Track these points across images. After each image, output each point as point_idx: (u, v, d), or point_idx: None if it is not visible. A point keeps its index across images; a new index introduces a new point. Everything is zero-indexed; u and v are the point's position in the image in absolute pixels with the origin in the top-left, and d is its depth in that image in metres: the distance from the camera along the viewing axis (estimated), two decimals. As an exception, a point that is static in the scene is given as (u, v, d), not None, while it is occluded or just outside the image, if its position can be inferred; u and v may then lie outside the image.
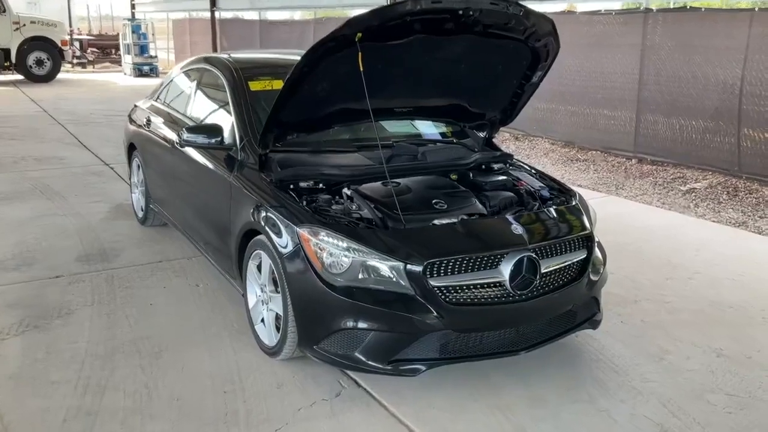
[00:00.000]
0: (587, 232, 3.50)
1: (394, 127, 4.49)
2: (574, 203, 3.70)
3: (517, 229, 3.25)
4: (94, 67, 23.90)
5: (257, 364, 3.50)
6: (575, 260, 3.42)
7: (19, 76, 18.45)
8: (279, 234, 3.31)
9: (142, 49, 21.14)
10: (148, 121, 5.31)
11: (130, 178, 6.02)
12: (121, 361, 3.51)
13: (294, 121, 3.68)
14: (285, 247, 3.25)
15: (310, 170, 3.63)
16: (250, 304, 3.69)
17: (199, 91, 4.78)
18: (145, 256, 5.02)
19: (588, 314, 3.55)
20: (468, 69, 3.86)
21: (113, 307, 4.16)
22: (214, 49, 17.88)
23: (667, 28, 8.32)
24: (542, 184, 3.92)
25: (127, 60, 21.23)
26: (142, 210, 5.64)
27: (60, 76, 19.39)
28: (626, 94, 8.81)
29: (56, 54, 18.81)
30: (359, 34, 3.20)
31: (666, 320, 4.16)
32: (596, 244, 3.64)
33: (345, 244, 3.09)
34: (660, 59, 8.39)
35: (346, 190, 3.51)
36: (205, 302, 4.25)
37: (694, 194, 7.39)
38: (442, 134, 4.54)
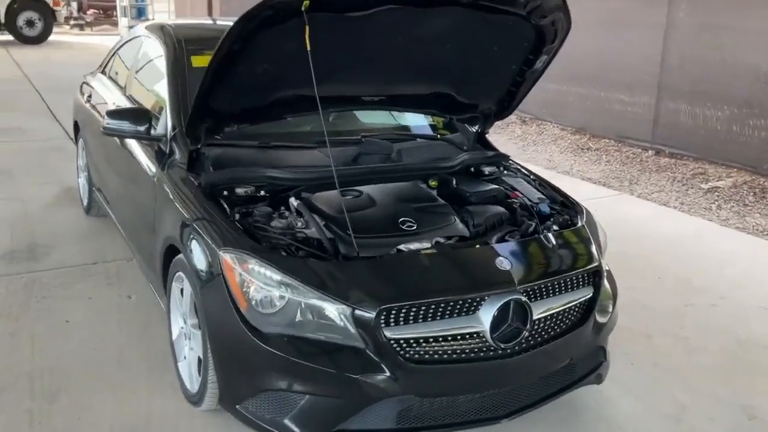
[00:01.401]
0: (595, 264, 2.76)
1: (369, 117, 3.74)
2: (580, 224, 2.96)
3: (503, 263, 2.51)
4: (92, 30, 23.02)
5: (174, 414, 2.81)
6: (578, 301, 2.69)
7: (10, 37, 17.62)
8: (199, 257, 2.59)
9: (140, 12, 20.24)
10: (89, 97, 4.58)
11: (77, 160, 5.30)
12: (7, 405, 2.83)
13: (232, 110, 2.93)
14: (204, 276, 2.54)
15: (250, 172, 2.89)
16: (174, 335, 2.99)
17: (140, 66, 4.03)
18: (80, 256, 4.32)
19: (591, 366, 2.83)
20: (455, 50, 3.10)
21: (21, 323, 3.47)
22: (209, 13, 17.00)
23: (694, 5, 7.45)
24: (542, 196, 3.18)
25: (123, 23, 20.30)
26: (87, 197, 4.93)
27: (54, 38, 18.57)
28: (646, 79, 7.96)
29: (48, 14, 17.97)
30: (306, 2, 2.44)
31: (684, 364, 3.44)
32: (606, 274, 2.91)
33: (278, 278, 2.36)
34: (685, 40, 7.53)
35: (293, 201, 2.78)
36: (132, 321, 3.55)
37: (716, 194, 6.61)
38: (433, 126, 3.79)
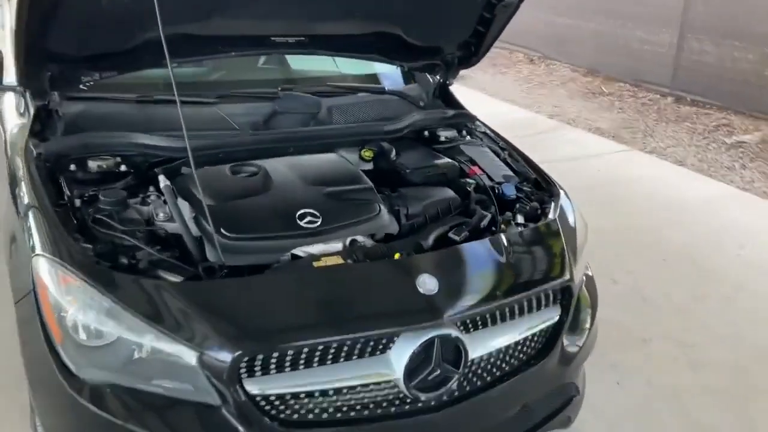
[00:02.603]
0: (565, 279, 2.02)
1: (311, 63, 2.93)
2: (552, 216, 2.20)
3: (427, 283, 1.77)
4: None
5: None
6: (538, 328, 1.97)
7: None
8: (16, 262, 1.91)
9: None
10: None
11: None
12: None
13: (84, 53, 2.17)
14: (18, 289, 1.86)
15: (110, 138, 2.15)
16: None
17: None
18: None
19: (556, 406, 2.14)
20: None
21: None
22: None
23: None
24: (509, 173, 2.43)
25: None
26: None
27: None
28: (667, 13, 7.01)
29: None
30: None
31: (686, 384, 2.74)
32: (583, 281, 2.19)
33: (107, 304, 1.66)
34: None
35: (162, 181, 2.06)
36: (8, 335, 2.89)
37: (741, 150, 5.79)
38: (406, 75, 2.98)
